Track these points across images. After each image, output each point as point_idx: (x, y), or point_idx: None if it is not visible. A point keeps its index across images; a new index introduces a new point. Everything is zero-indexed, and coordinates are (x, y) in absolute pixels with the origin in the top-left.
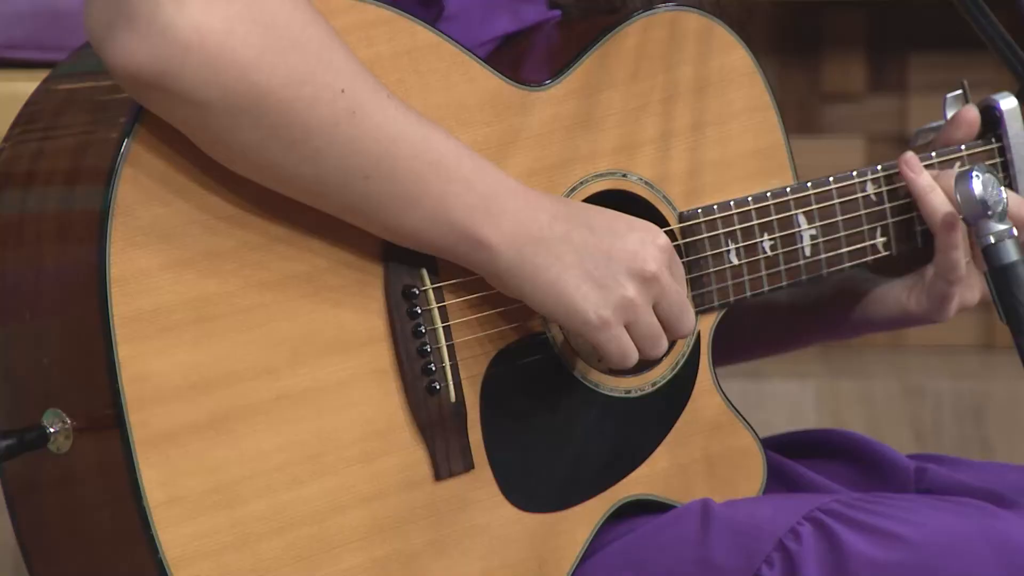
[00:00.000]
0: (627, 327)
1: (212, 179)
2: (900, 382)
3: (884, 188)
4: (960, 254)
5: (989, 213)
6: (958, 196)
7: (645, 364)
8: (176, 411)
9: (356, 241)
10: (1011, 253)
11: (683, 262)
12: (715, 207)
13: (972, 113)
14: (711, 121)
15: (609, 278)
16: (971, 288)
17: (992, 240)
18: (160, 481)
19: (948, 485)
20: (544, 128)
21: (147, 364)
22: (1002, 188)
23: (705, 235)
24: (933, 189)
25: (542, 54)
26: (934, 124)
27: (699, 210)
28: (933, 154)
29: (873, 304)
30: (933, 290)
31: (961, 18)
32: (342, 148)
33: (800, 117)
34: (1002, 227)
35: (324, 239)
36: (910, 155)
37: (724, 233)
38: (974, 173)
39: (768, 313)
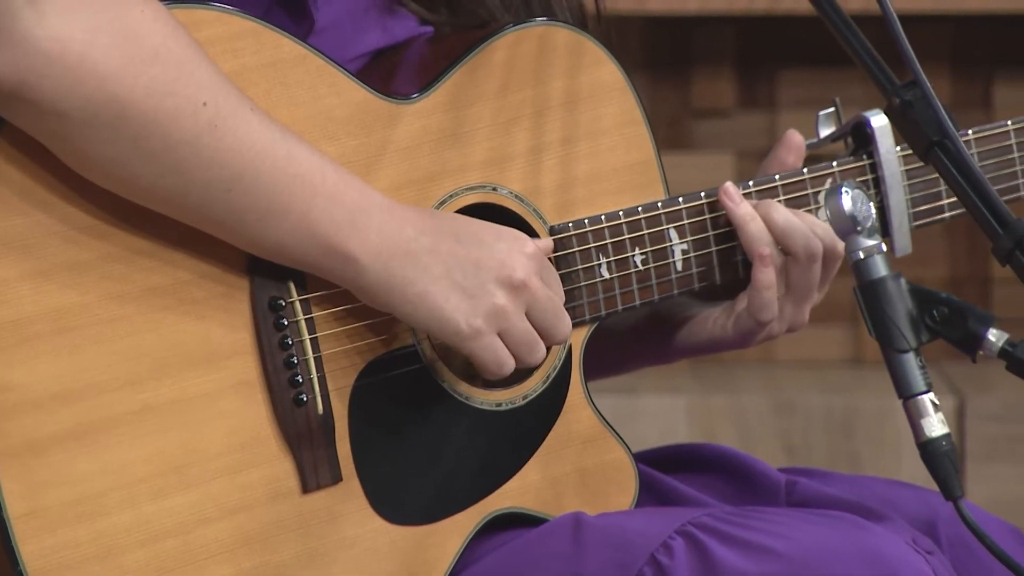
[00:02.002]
0: (500, 335)
1: (73, 190)
2: (770, 397)
3: (707, 216)
4: (773, 294)
5: (858, 228)
6: (828, 211)
7: (516, 377)
8: (38, 422)
9: (221, 253)
10: (880, 268)
11: None
12: (586, 221)
13: (798, 138)
14: (582, 136)
15: (478, 287)
16: (780, 320)
17: (861, 255)
18: (21, 493)
19: (819, 498)
20: (412, 141)
21: (7, 375)
22: (871, 204)
23: (576, 249)
24: (753, 219)
25: (412, 68)
26: (807, 142)
27: (570, 224)
28: (805, 170)
29: (689, 329)
30: (740, 322)
31: (830, 35)
32: (204, 161)
33: (670, 133)
34: (871, 242)
35: (188, 251)
36: (729, 185)
37: (595, 247)
38: (844, 189)
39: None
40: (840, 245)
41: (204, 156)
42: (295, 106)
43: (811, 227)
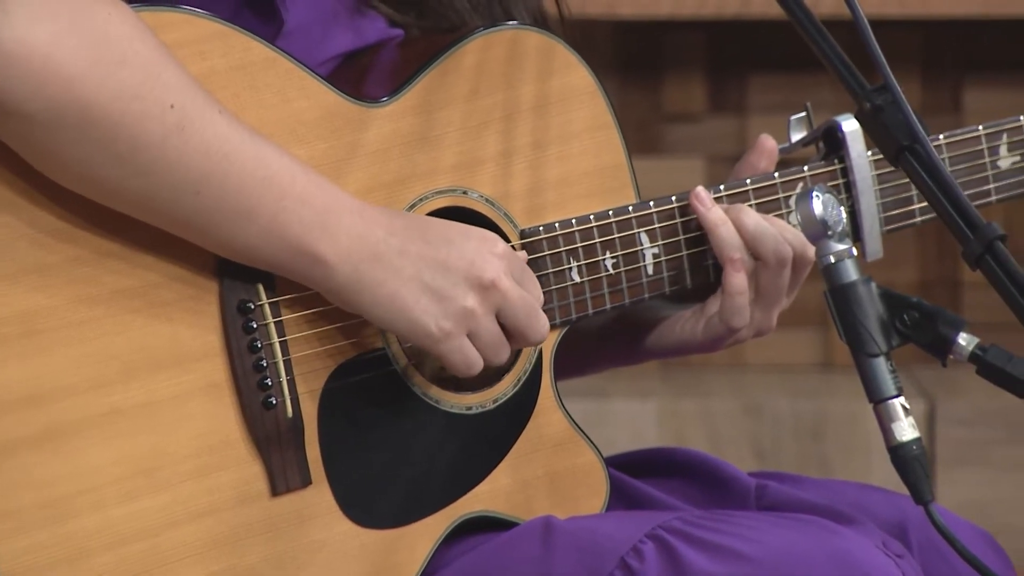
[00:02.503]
0: (470, 336)
1: (40, 193)
2: (740, 401)
3: (679, 220)
4: (745, 299)
5: (829, 233)
6: (799, 216)
7: (487, 380)
8: (7, 425)
9: (190, 256)
10: (851, 273)
11: None
12: (556, 224)
13: (770, 143)
14: (553, 139)
15: (447, 289)
16: (749, 325)
17: (832, 260)
18: None
19: (788, 502)
20: (382, 144)
21: None
22: (842, 208)
23: (547, 252)
24: (724, 223)
25: (382, 71)
26: (779, 146)
27: (540, 227)
28: (776, 174)
29: (658, 331)
30: (710, 327)
31: (800, 40)
32: (172, 163)
33: (640, 137)
34: (842, 247)
35: (157, 254)
36: (700, 189)
37: (566, 251)
38: (815, 193)
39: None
40: (810, 250)
41: (171, 158)
42: (264, 109)
43: (781, 232)
